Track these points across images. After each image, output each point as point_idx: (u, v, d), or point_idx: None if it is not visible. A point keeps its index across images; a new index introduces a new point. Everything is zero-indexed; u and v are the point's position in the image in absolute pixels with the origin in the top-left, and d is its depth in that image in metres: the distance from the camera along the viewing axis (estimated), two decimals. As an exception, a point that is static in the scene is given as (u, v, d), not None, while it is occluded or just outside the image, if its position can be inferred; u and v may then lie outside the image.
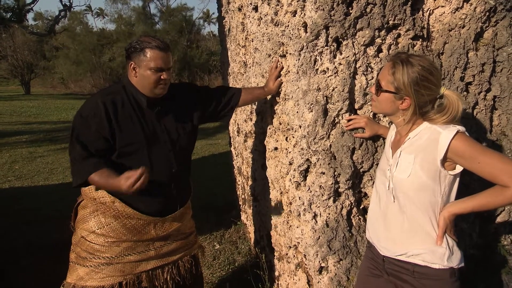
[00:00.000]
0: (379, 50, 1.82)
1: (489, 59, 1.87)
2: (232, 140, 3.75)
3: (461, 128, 1.29)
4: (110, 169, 1.64)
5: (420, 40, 1.84)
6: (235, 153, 3.64)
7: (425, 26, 1.85)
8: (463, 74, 1.87)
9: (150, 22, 20.55)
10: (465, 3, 1.83)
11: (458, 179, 1.37)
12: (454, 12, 1.85)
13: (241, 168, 3.39)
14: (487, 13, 1.84)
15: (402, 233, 1.41)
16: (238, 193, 3.81)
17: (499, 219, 2.01)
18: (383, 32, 1.78)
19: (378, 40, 1.79)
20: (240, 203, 3.73)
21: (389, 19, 1.77)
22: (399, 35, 1.82)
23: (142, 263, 1.84)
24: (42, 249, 3.44)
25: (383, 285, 1.52)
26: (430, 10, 1.88)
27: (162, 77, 1.70)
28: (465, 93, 1.90)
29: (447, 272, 1.35)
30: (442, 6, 1.86)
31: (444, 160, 1.30)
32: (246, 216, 3.51)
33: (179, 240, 1.99)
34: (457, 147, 1.26)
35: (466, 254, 2.05)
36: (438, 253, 1.35)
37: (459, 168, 1.32)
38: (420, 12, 1.86)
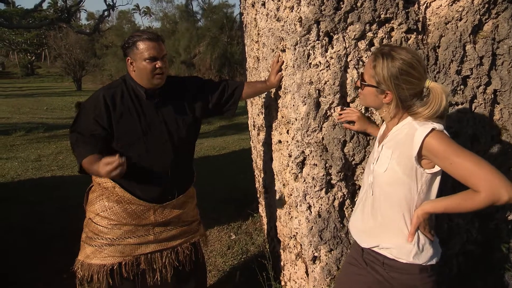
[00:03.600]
0: (371, 44, 1.83)
1: (488, 52, 1.83)
2: (250, 133, 3.84)
3: (438, 126, 1.26)
4: (97, 156, 1.69)
5: (415, 33, 1.84)
6: (253, 147, 3.73)
7: (420, 19, 1.84)
8: (460, 68, 1.85)
9: (192, 19, 21.00)
10: (462, -5, 1.81)
11: (438, 178, 1.34)
12: (451, 5, 1.83)
13: (256, 161, 3.48)
14: (486, 5, 1.80)
15: (375, 226, 1.43)
16: (256, 185, 3.90)
17: (499, 216, 1.97)
18: (374, 26, 1.80)
19: (370, 34, 1.81)
20: (258, 195, 3.82)
21: (381, 13, 1.78)
22: (392, 29, 1.83)
23: (141, 246, 1.97)
24: (73, 233, 3.71)
25: (363, 273, 1.54)
26: (427, 3, 1.86)
27: (157, 65, 1.81)
28: (462, 86, 1.87)
29: (416, 267, 1.35)
30: (439, -1, 1.84)
31: (419, 157, 1.28)
32: (262, 208, 3.59)
33: (179, 227, 2.09)
34: (431, 145, 1.24)
35: (466, 250, 2.03)
36: (405, 249, 1.35)
37: (437, 167, 1.29)
38: (416, 6, 1.85)
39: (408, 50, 1.33)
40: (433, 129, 1.25)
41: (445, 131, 1.27)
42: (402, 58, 1.28)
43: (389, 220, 1.39)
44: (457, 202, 1.24)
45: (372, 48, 1.83)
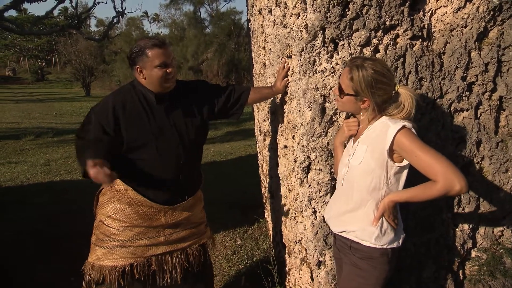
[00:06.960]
0: (376, 51, 1.85)
1: (493, 58, 1.84)
2: (256, 139, 3.87)
3: (408, 124, 1.44)
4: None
5: (420, 40, 1.86)
6: (259, 152, 3.75)
7: (425, 26, 1.86)
8: (465, 74, 1.86)
9: (200, 26, 21.21)
10: (467, 3, 1.82)
11: (406, 171, 1.50)
12: (456, 12, 1.84)
13: (262, 166, 3.50)
14: (492, 12, 1.82)
15: (346, 212, 1.60)
16: (262, 191, 3.91)
17: (505, 222, 1.96)
18: (379, 33, 1.82)
19: (375, 41, 1.83)
20: (264, 201, 3.83)
21: (386, 20, 1.80)
22: (397, 36, 1.85)
23: (152, 248, 1.99)
24: (81, 236, 3.74)
25: (340, 257, 1.72)
26: (432, 10, 1.88)
27: (168, 71, 1.85)
28: (467, 93, 1.88)
29: (377, 251, 1.51)
30: (444, 6, 1.86)
31: (391, 151, 1.45)
32: (268, 214, 3.60)
33: (188, 229, 2.12)
34: (400, 140, 1.41)
35: (471, 256, 2.02)
36: (368, 232, 1.52)
37: (406, 161, 1.46)
38: (421, 13, 1.87)
39: (378, 61, 1.51)
40: (403, 126, 1.43)
41: (413, 129, 1.45)
42: (373, 69, 1.45)
43: (358, 206, 1.55)
44: (419, 191, 1.41)
45: (377, 55, 1.85)
